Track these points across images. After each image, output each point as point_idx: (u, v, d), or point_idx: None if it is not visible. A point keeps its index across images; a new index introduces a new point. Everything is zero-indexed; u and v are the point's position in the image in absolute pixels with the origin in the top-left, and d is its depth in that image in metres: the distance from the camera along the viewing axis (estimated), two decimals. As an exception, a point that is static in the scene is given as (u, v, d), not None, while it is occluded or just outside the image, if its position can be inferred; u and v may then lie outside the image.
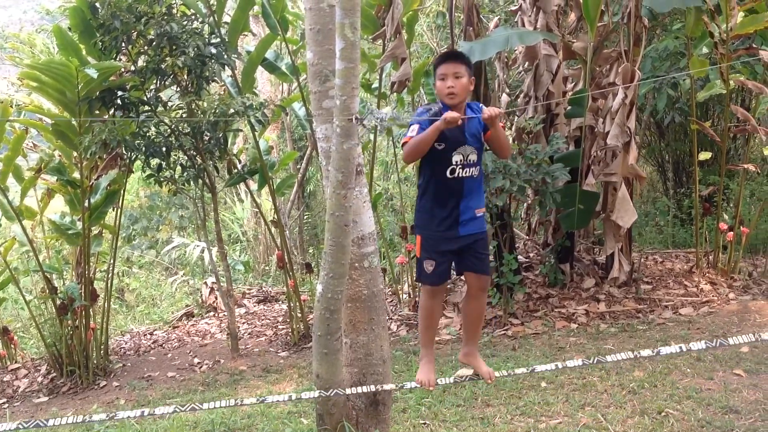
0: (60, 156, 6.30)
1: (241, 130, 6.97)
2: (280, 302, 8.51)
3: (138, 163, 6.16)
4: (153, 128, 5.85)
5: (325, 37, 3.23)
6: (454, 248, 3.01)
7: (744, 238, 6.65)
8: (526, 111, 7.10)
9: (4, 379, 6.33)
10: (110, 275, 6.55)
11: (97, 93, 5.66)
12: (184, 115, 5.89)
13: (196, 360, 6.49)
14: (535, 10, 7.02)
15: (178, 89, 5.93)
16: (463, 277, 3.62)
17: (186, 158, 6.09)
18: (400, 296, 7.33)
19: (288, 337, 6.80)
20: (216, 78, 5.99)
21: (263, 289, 9.36)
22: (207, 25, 5.94)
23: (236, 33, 6.10)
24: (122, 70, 5.80)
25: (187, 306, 8.81)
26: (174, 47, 5.51)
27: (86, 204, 6.03)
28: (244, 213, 11.68)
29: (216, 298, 8.29)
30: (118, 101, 5.77)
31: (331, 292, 3.05)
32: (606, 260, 6.83)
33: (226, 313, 7.07)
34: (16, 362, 6.68)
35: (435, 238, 3.01)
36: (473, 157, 2.96)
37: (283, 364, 6.06)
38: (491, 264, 6.12)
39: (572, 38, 7.04)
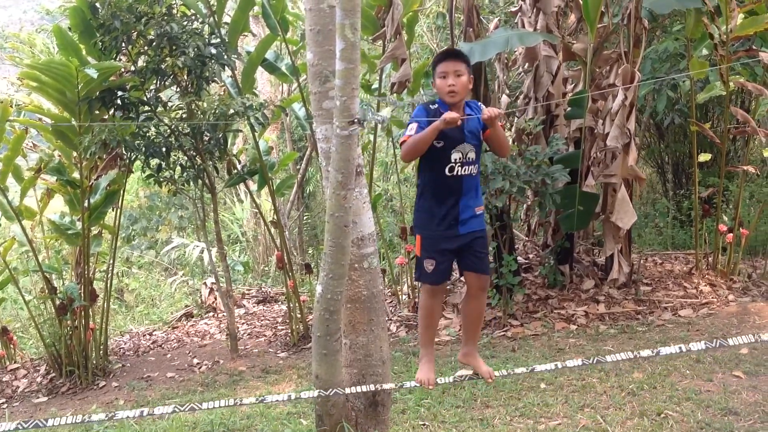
0: (60, 156, 6.30)
1: (241, 131, 6.97)
2: (280, 303, 8.50)
3: (138, 163, 6.15)
4: (153, 128, 5.85)
5: (326, 37, 3.23)
6: (454, 247, 3.00)
7: (743, 239, 6.65)
8: (526, 112, 7.10)
9: (4, 379, 6.32)
10: (110, 275, 6.55)
11: (97, 93, 5.65)
12: (184, 116, 5.89)
13: (195, 360, 6.49)
14: (535, 11, 7.02)
15: (178, 89, 5.93)
16: (462, 278, 3.62)
17: (186, 158, 6.09)
18: (400, 297, 7.32)
19: (287, 338, 6.80)
20: (216, 78, 6.00)
21: (262, 289, 9.36)
22: (207, 26, 5.94)
23: (236, 33, 6.10)
24: (122, 70, 5.80)
25: (186, 306, 8.80)
26: (174, 47, 5.51)
27: (86, 204, 6.03)
28: (243, 213, 11.68)
29: (215, 298, 8.29)
30: (118, 101, 5.77)
31: (330, 292, 3.04)
32: (605, 261, 6.83)
33: (225, 314, 7.07)
34: (15, 362, 6.67)
35: (435, 237, 3.00)
36: (472, 155, 2.97)
37: (283, 364, 6.06)
38: (491, 265, 6.13)
39: (572, 39, 7.05)
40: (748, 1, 6.25)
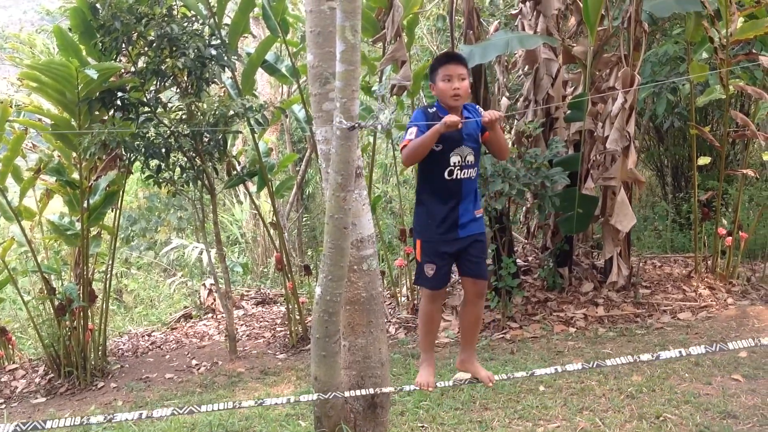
0: (59, 156, 6.30)
1: (241, 132, 6.97)
2: (279, 304, 8.50)
3: (137, 164, 6.15)
4: (152, 129, 5.85)
5: (326, 39, 3.23)
6: (453, 250, 3.00)
7: (743, 243, 6.65)
8: (526, 115, 7.11)
9: (2, 379, 6.31)
10: (108, 276, 6.54)
11: (97, 94, 5.65)
12: (184, 117, 5.89)
13: (194, 362, 6.48)
14: (535, 14, 7.04)
15: (178, 90, 5.93)
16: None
17: (185, 160, 6.09)
18: (399, 299, 7.32)
19: (286, 340, 6.79)
20: (216, 80, 6.00)
21: (262, 291, 9.36)
22: (207, 27, 5.94)
23: (236, 35, 6.10)
24: (122, 71, 5.80)
25: (185, 307, 8.80)
26: (174, 48, 5.52)
27: (85, 205, 6.03)
28: (242, 215, 11.68)
29: (214, 299, 8.28)
30: (118, 102, 5.77)
31: (329, 294, 3.04)
32: (605, 264, 6.83)
33: (224, 315, 7.06)
34: (13, 363, 6.67)
35: (435, 241, 3.00)
36: (471, 158, 2.96)
37: (281, 366, 6.05)
38: (490, 267, 6.13)
39: (572, 42, 7.05)
40: (748, 4, 6.26)
